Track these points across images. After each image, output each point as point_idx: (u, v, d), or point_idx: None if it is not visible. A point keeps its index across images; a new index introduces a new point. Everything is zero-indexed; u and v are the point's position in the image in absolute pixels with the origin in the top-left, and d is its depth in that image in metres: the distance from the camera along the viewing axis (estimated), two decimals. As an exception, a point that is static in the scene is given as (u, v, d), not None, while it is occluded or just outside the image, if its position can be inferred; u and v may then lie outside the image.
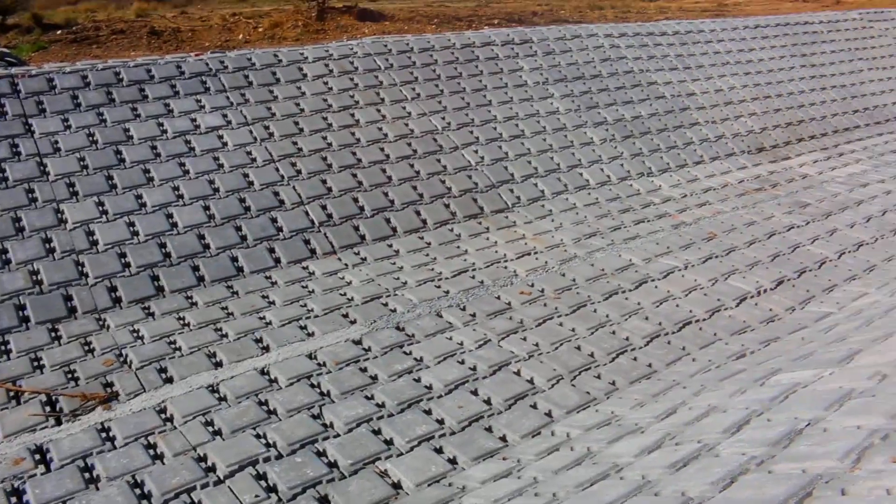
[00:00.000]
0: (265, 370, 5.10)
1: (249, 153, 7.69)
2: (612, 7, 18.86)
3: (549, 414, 4.63)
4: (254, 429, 4.48)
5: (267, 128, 8.05)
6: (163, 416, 4.63)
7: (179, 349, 5.37)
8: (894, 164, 10.45)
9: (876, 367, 3.68)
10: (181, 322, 5.73)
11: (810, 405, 3.40)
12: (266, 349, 5.38)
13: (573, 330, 5.63)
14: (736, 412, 3.69)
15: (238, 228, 6.90)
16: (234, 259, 6.61)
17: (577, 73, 10.58)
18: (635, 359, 5.31)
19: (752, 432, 3.31)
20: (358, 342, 5.44)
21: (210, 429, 4.49)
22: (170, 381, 5.01)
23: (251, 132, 7.93)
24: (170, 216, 6.82)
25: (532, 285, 6.37)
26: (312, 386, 4.92)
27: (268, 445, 4.33)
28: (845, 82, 13.70)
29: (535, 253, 7.03)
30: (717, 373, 4.90)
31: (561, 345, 5.42)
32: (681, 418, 3.99)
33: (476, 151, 8.61)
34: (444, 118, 8.93)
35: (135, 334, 5.55)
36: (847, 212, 8.40)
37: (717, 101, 11.36)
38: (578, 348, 5.39)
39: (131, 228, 6.61)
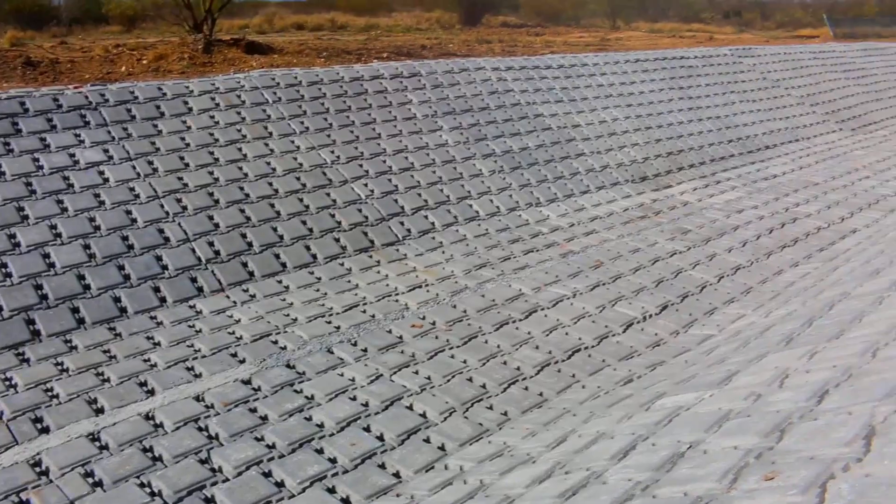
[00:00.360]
0: (150, 415, 4.92)
1: (132, 189, 7.47)
2: (500, 41, 19.27)
3: (442, 447, 4.62)
4: (137, 478, 4.30)
5: (151, 163, 7.84)
6: (37, 469, 4.39)
7: (57, 396, 5.12)
8: (766, 191, 11.01)
9: (751, 388, 3.84)
10: (59, 368, 5.48)
11: (692, 428, 3.51)
12: (151, 392, 5.19)
13: (465, 361, 5.66)
14: (623, 438, 3.78)
15: (121, 267, 6.67)
16: (117, 299, 6.38)
17: (465, 106, 10.75)
18: (526, 388, 5.37)
19: (637, 457, 3.39)
20: (247, 382, 5.32)
21: (90, 480, 4.28)
22: (45, 431, 4.76)
23: (134, 167, 7.71)
24: (46, 256, 6.53)
25: (423, 318, 6.38)
26: (200, 429, 4.77)
27: (152, 494, 4.16)
28: (720, 114, 14.40)
29: (426, 285, 7.06)
30: (605, 399, 5.01)
31: (453, 377, 5.43)
32: (571, 446, 4.05)
33: (366, 185, 8.61)
34: (333, 151, 8.91)
35: (7, 382, 5.26)
36: (725, 237, 8.78)
37: (602, 133, 11.73)
38: (470, 380, 5.42)
39: (3, 270, 6.29)
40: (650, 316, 6.64)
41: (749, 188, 11.19)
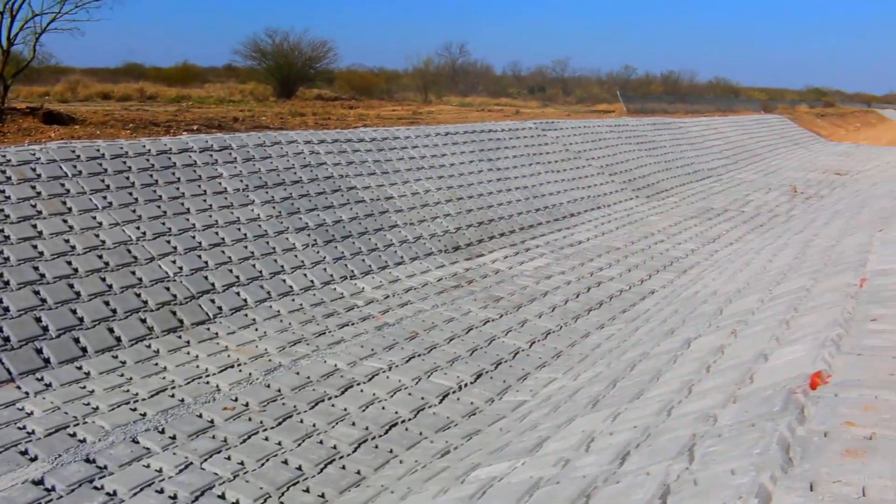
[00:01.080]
0: (-78, 526, 4.42)
1: None
2: (314, 114, 19.34)
3: (255, 537, 4.44)
4: None
5: (-71, 244, 7.21)
6: None
7: None
8: (572, 257, 11.58)
9: (560, 453, 3.96)
10: None
11: (503, 499, 3.57)
12: (-76, 501, 4.68)
13: (279, 443, 5.50)
14: (438, 514, 3.78)
15: None
16: None
17: (277, 179, 10.67)
18: (344, 467, 5.28)
19: (451, 535, 3.40)
20: (39, 482, 4.89)
21: None
22: None
23: None
24: None
25: (236, 399, 6.16)
26: (-18, 539, 4.34)
27: None
28: (527, 184, 15.09)
29: (239, 365, 6.85)
30: (422, 473, 5.00)
31: (267, 460, 5.26)
32: (387, 526, 4.01)
33: (174, 262, 8.29)
34: (138, 228, 8.54)
35: None
36: (535, 303, 9.12)
37: (415, 204, 11.97)
38: (286, 462, 5.26)
39: None
40: (465, 385, 6.73)
41: (556, 254, 11.73)
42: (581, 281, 10.18)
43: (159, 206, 9.02)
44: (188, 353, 7.08)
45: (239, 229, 9.29)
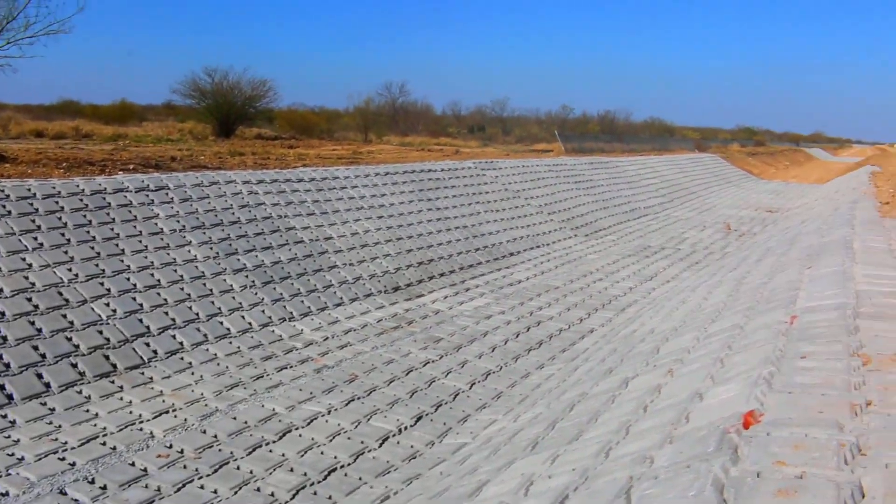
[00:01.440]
0: None
1: None
2: (253, 153, 19.19)
3: (189, 590, 4.30)
4: None
5: None
6: None
7: None
8: (512, 296, 11.63)
9: (499, 498, 3.94)
10: None
11: (443, 545, 3.53)
12: None
13: (215, 491, 5.36)
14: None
15: None
16: None
17: (215, 220, 10.55)
18: (281, 515, 5.17)
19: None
20: (-41, 538, 4.70)
21: None
22: None
23: None
24: None
25: (170, 446, 6.01)
26: None
27: None
28: (466, 223, 15.18)
29: (174, 410, 6.68)
30: (361, 520, 4.93)
31: (202, 510, 5.12)
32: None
33: (108, 304, 8.10)
34: (70, 269, 8.34)
35: None
36: (475, 343, 9.12)
37: (354, 244, 11.93)
38: (221, 511, 5.13)
39: None
40: (405, 428, 6.68)
41: (496, 294, 11.78)
42: (521, 320, 10.23)
43: (92, 248, 8.83)
44: (121, 398, 6.89)
45: (175, 271, 9.13)
